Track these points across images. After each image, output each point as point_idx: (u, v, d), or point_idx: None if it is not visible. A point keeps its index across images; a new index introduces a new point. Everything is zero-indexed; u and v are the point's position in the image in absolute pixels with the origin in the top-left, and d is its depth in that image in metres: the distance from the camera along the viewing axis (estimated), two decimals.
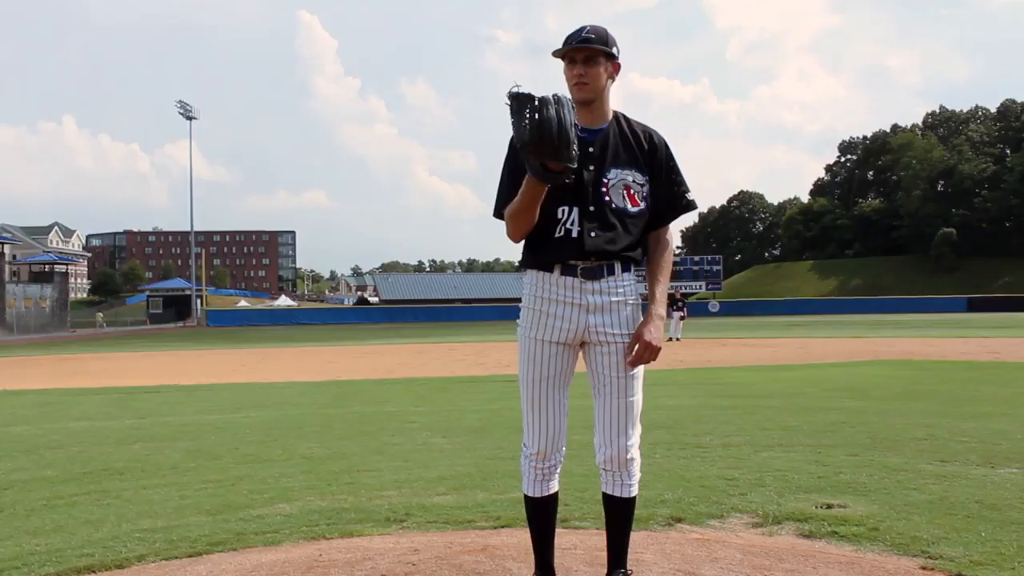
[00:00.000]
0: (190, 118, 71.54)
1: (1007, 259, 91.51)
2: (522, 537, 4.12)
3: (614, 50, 3.06)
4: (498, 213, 3.14)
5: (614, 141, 3.11)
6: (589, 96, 3.05)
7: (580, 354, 3.26)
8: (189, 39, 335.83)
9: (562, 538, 4.14)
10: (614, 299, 3.13)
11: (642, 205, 3.12)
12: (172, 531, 4.62)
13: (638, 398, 3.23)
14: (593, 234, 3.05)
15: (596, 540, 3.94)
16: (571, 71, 3.04)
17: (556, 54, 3.07)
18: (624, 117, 3.19)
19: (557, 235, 3.06)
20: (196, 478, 6.28)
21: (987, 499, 4.90)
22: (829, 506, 4.76)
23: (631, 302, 3.18)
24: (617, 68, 3.11)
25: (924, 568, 3.68)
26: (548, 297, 3.12)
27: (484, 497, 5.19)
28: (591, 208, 3.05)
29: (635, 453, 3.24)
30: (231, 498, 5.50)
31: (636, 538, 4.11)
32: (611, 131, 3.12)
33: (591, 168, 3.05)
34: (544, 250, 3.11)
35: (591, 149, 3.05)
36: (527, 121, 2.69)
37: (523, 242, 3.18)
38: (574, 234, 3.05)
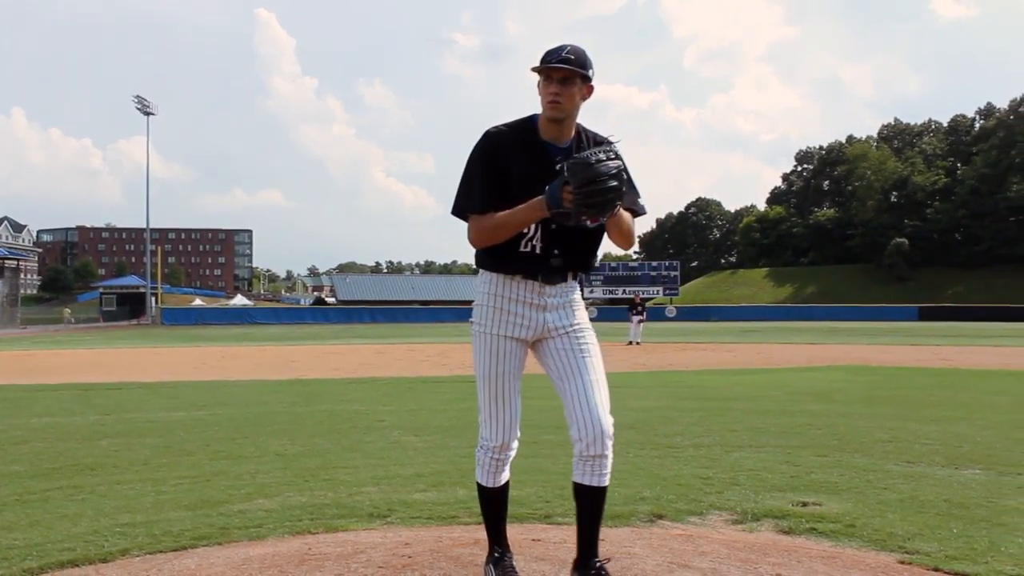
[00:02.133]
0: (147, 113, 70.46)
1: (957, 269, 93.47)
2: (511, 532, 4.17)
3: (590, 73, 3.12)
4: (462, 212, 3.22)
5: None
6: (561, 115, 3.14)
7: (529, 353, 3.37)
8: (144, 34, 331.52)
9: (549, 533, 4.21)
10: (570, 298, 3.32)
11: (599, 221, 3.16)
12: (153, 526, 4.59)
13: (604, 377, 3.32)
14: (556, 252, 3.21)
15: None
16: (547, 88, 3.11)
17: (535, 69, 3.12)
18: (583, 129, 3.28)
19: (522, 250, 3.19)
20: (170, 474, 6.23)
21: (955, 498, 5.06)
22: (805, 504, 4.87)
23: (579, 298, 3.38)
24: (590, 91, 3.18)
25: (902, 563, 3.80)
26: (509, 296, 3.25)
27: (464, 494, 5.22)
28: (553, 226, 3.16)
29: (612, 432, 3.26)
30: (209, 493, 5.47)
31: (622, 533, 4.19)
32: (573, 146, 3.21)
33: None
34: (507, 262, 3.22)
35: (558, 166, 3.10)
36: (593, 165, 2.87)
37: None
38: (538, 251, 3.19)
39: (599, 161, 2.87)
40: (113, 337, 41.20)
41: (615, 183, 2.88)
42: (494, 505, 3.49)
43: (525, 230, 3.15)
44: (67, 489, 5.77)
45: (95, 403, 11.50)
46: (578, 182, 2.86)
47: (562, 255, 3.21)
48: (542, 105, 3.15)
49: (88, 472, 6.42)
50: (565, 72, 3.07)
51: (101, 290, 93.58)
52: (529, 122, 3.22)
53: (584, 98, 3.17)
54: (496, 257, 3.24)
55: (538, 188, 3.05)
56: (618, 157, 2.93)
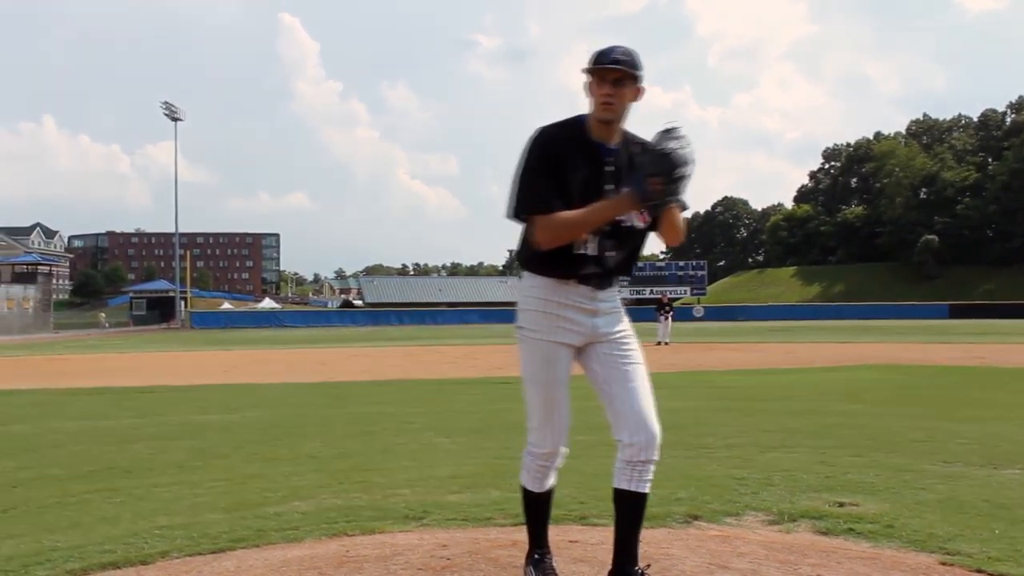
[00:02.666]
0: (175, 119, 71.20)
1: (988, 267, 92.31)
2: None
3: (640, 74, 3.10)
4: (524, 213, 3.13)
5: (626, 159, 3.16)
6: (613, 116, 3.11)
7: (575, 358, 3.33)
8: (170, 41, 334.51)
9: (586, 535, 4.21)
10: (618, 304, 3.30)
11: (649, 221, 3.18)
12: (191, 528, 4.63)
13: (650, 384, 3.29)
14: (610, 254, 3.17)
15: None
16: (600, 89, 3.07)
17: (586, 70, 3.10)
18: (628, 132, 3.24)
19: (577, 251, 3.12)
20: (205, 476, 6.28)
21: (995, 498, 5.00)
22: (842, 504, 4.83)
23: (621, 305, 3.36)
24: (640, 92, 3.15)
25: (943, 564, 3.75)
26: (561, 301, 3.18)
27: (499, 495, 5.22)
28: (607, 227, 3.12)
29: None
30: (244, 496, 5.51)
31: (658, 534, 4.17)
32: (623, 149, 3.17)
33: (610, 187, 3.11)
34: (562, 265, 3.15)
35: (608, 168, 3.12)
36: (673, 152, 2.90)
37: (521, 243, 3.27)
38: (592, 251, 3.13)
39: (679, 148, 2.90)
40: (143, 341, 41.62)
41: (691, 170, 2.93)
42: (538, 509, 3.49)
43: None
44: (105, 492, 5.84)
45: (128, 406, 11.63)
46: (666, 170, 2.88)
47: (615, 258, 3.18)
48: (593, 106, 3.11)
49: (124, 475, 6.49)
50: (618, 73, 3.04)
51: (131, 295, 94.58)
52: (579, 122, 3.17)
53: (634, 100, 3.14)
54: (550, 260, 3.15)
55: (591, 189, 3.05)
56: (687, 143, 2.94)
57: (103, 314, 77.69)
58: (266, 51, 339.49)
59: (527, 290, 3.25)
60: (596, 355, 3.25)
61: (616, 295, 3.30)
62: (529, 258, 3.22)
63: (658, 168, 2.89)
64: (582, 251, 3.12)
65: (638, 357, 3.27)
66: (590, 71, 3.09)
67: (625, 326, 3.30)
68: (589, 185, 3.06)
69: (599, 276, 3.18)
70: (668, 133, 2.95)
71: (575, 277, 3.15)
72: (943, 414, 9.26)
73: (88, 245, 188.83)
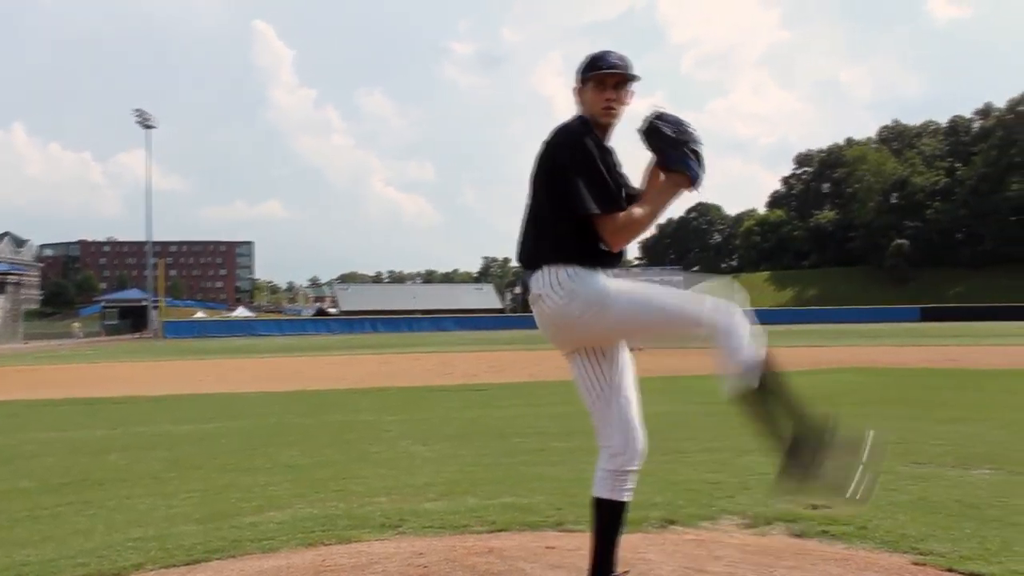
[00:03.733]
0: (148, 127, 70.59)
1: (958, 270, 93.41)
2: (523, 540, 4.19)
3: (638, 77, 3.16)
4: (604, 211, 3.02)
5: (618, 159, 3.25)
6: (615, 120, 3.17)
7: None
8: (142, 48, 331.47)
9: (562, 540, 4.22)
10: None
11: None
12: (166, 539, 4.60)
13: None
14: (623, 250, 3.20)
15: None
16: (601, 95, 3.10)
17: (586, 77, 3.13)
18: None
19: (603, 248, 3.11)
20: (180, 487, 6.24)
21: (966, 498, 5.06)
22: (816, 507, 4.86)
23: None
24: (631, 96, 3.21)
25: (916, 564, 3.81)
26: None
27: (475, 503, 5.23)
28: None
29: None
30: (219, 506, 5.47)
31: (634, 539, 4.19)
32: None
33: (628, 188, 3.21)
34: (595, 257, 3.10)
35: (621, 168, 3.21)
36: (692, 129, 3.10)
37: (555, 240, 3.09)
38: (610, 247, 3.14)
39: (689, 125, 3.13)
40: (116, 351, 41.20)
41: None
42: (618, 521, 3.30)
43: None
44: (78, 504, 5.78)
45: (101, 417, 11.52)
46: (697, 146, 3.10)
47: (624, 252, 3.24)
48: (593, 111, 3.13)
49: (98, 486, 6.43)
50: (619, 77, 3.11)
51: (103, 304, 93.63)
52: (591, 123, 3.16)
53: (629, 103, 3.20)
54: (585, 251, 3.07)
55: (620, 190, 3.11)
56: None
57: (77, 324, 76.79)
58: (240, 58, 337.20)
59: (580, 274, 3.06)
60: (612, 354, 3.29)
61: None
62: (557, 249, 3.08)
63: (693, 145, 3.05)
64: (604, 247, 3.11)
65: (631, 366, 3.32)
66: (591, 77, 3.11)
67: None
68: (619, 186, 3.11)
69: (616, 267, 3.20)
70: (662, 117, 3.09)
71: (611, 267, 3.15)
72: (917, 415, 9.35)
73: (59, 254, 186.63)
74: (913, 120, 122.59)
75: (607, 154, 3.13)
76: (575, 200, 3.01)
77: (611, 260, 3.14)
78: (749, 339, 3.06)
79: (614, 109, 3.12)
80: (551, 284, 3.08)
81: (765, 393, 3.03)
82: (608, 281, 3.07)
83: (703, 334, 3.07)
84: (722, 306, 3.09)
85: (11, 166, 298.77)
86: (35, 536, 4.88)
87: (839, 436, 2.98)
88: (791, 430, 3.02)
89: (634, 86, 3.18)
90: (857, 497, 2.87)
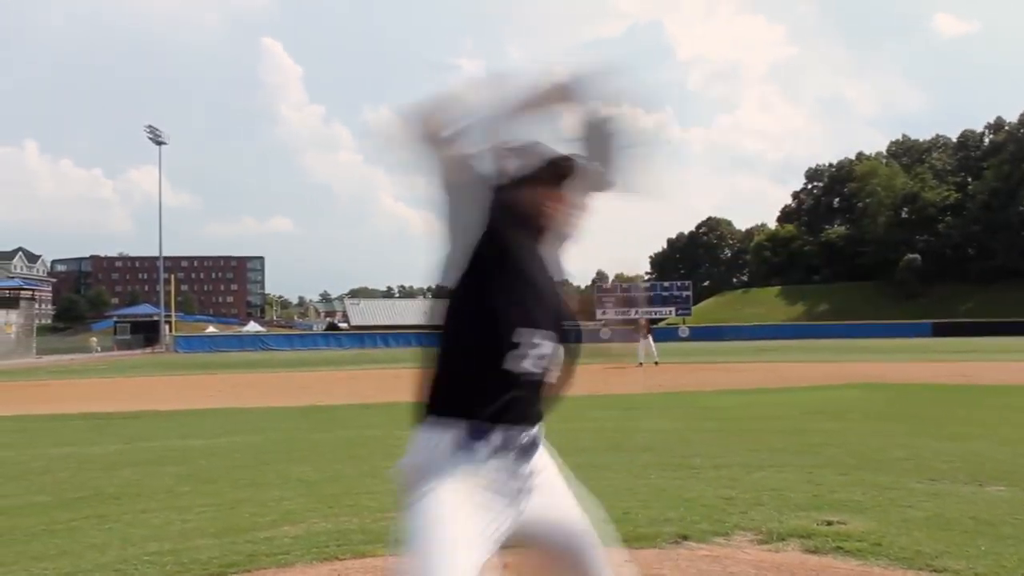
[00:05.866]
0: (159, 143, 71.03)
1: (970, 285, 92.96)
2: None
3: None
4: None
5: None
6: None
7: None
8: (152, 66, 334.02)
9: None
10: None
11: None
12: (181, 554, 4.62)
13: None
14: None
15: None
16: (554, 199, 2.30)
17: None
18: None
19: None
20: (194, 502, 6.26)
21: (981, 515, 5.05)
22: (830, 523, 4.87)
23: None
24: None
25: None
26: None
27: None
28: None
29: None
30: (234, 521, 5.50)
31: (648, 555, 4.20)
32: None
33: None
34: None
35: None
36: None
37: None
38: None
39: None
40: (128, 365, 41.31)
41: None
42: None
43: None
44: (92, 519, 5.82)
45: (114, 432, 11.56)
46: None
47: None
48: (541, 218, 2.30)
49: (112, 501, 6.46)
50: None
51: (115, 319, 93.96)
52: None
53: None
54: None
55: None
56: None
57: (95, 338, 77.10)
58: (249, 75, 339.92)
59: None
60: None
61: None
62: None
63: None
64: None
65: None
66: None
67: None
68: None
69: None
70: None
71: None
72: (928, 432, 9.32)
73: (71, 269, 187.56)
74: (922, 135, 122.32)
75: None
76: None
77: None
78: None
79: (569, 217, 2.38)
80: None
81: None
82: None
83: None
84: None
85: (24, 183, 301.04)
86: (51, 550, 4.91)
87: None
88: None
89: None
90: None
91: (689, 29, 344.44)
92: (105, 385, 25.58)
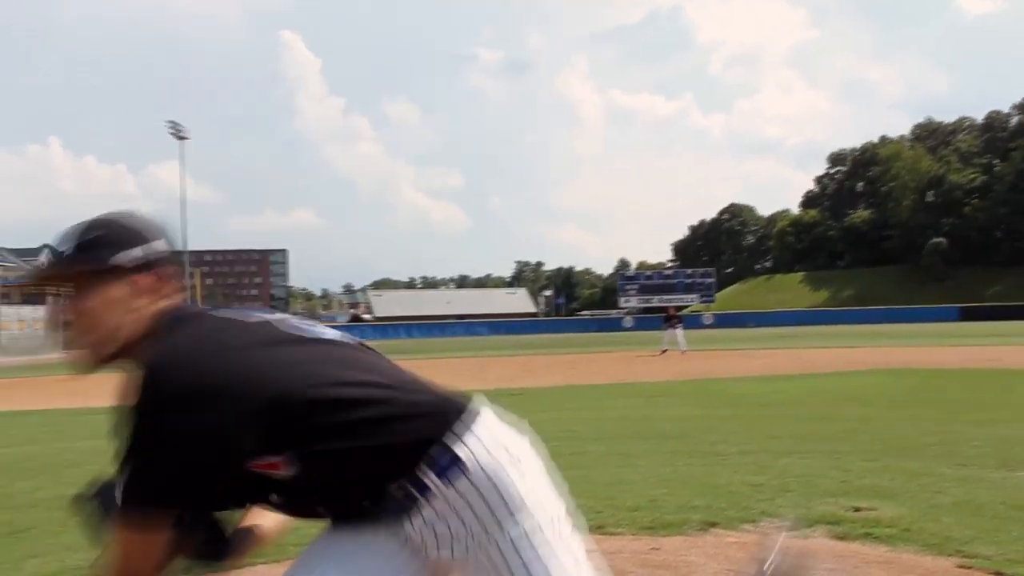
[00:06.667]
0: (181, 138, 71.46)
1: (998, 268, 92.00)
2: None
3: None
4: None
5: None
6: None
7: None
8: (173, 61, 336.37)
9: (603, 544, 4.21)
10: None
11: None
12: None
13: None
14: None
15: (637, 544, 4.01)
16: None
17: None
18: None
19: None
20: None
21: (1011, 500, 5.00)
22: (858, 509, 4.84)
23: None
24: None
25: (961, 567, 3.77)
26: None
27: None
28: None
29: None
30: None
31: (676, 542, 4.19)
32: None
33: None
34: None
35: None
36: None
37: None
38: None
39: None
40: None
41: None
42: None
43: None
44: None
45: None
46: None
47: None
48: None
49: None
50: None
51: None
52: None
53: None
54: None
55: None
56: None
57: None
58: (268, 68, 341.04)
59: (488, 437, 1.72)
60: None
61: None
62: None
63: None
64: None
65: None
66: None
67: None
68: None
69: None
70: None
71: None
72: (956, 417, 9.24)
73: None
74: (947, 117, 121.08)
75: None
76: None
77: None
78: None
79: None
80: None
81: None
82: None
83: None
84: None
85: (48, 180, 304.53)
86: (84, 541, 4.96)
87: None
88: None
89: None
90: None
91: (709, 13, 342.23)
92: None
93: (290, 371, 1.60)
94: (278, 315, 1.83)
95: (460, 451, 1.63)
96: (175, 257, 1.80)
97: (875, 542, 4.18)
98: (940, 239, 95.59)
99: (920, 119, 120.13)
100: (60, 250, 1.71)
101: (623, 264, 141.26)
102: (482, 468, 1.63)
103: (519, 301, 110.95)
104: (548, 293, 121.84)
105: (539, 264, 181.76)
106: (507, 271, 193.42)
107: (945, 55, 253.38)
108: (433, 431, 1.65)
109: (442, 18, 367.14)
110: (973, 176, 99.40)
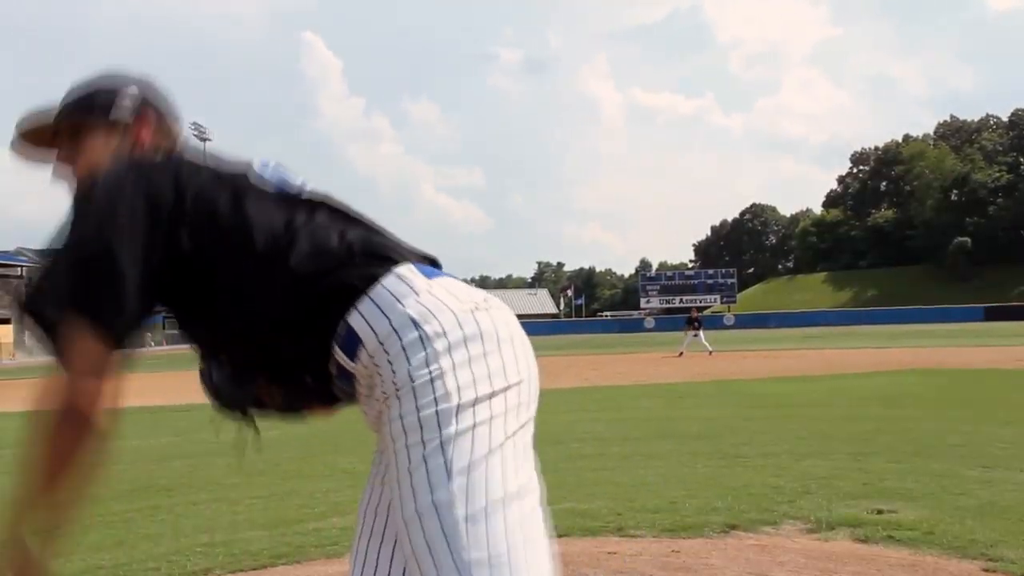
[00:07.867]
0: (204, 139, 72.00)
1: (1023, 267, 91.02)
2: (584, 546, 4.20)
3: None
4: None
5: None
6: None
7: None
8: (196, 63, 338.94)
9: (623, 546, 4.21)
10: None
11: None
12: (232, 545, 4.69)
13: None
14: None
15: (657, 547, 4.00)
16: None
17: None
18: None
19: None
20: (244, 494, 6.35)
21: None
22: (880, 511, 4.80)
23: None
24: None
25: (986, 571, 3.73)
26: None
27: None
28: None
29: None
30: (283, 513, 5.57)
31: (696, 544, 4.18)
32: None
33: None
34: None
35: None
36: None
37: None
38: None
39: None
40: (176, 359, 42.02)
41: None
42: None
43: None
44: (146, 510, 5.93)
45: (165, 425, 11.78)
46: None
47: None
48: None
49: (165, 493, 6.58)
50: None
51: (163, 314, 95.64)
52: None
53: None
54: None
55: None
56: None
57: (149, 332, 78.66)
58: (289, 69, 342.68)
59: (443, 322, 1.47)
60: None
61: None
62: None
63: None
64: None
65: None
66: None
67: None
68: None
69: None
70: None
71: None
72: (982, 418, 9.14)
73: None
74: (969, 115, 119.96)
75: None
76: None
77: None
78: None
79: None
80: None
81: None
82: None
83: None
84: None
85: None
86: (108, 541, 5.01)
87: None
88: None
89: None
90: None
91: (730, 11, 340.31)
92: (154, 379, 26.04)
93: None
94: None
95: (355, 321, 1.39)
96: (162, 104, 2.01)
97: (897, 545, 4.14)
98: (964, 238, 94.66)
99: (944, 116, 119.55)
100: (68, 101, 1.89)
101: (644, 264, 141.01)
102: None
103: (540, 302, 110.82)
104: (569, 293, 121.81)
105: (560, 264, 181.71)
106: (528, 271, 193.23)
107: (970, 51, 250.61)
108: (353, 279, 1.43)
109: (462, 18, 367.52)
110: (998, 175, 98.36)
